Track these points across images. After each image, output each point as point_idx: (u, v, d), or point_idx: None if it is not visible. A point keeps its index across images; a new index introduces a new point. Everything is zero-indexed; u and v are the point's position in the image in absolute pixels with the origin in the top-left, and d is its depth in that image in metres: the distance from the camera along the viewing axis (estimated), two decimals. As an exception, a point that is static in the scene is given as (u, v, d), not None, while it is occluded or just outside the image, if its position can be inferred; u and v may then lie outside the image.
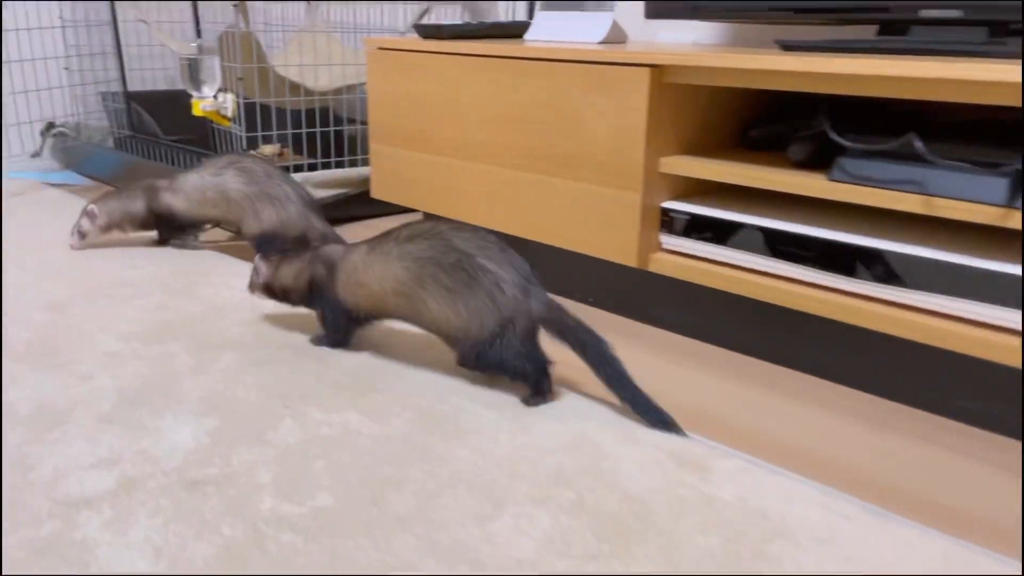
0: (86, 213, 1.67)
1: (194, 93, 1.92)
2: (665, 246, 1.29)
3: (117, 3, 2.34)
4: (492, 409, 1.04)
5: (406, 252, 1.09)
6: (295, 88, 2.08)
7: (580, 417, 1.02)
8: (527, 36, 1.66)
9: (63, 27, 2.41)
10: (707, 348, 1.29)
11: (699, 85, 1.22)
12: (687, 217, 1.25)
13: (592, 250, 1.35)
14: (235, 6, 1.96)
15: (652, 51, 1.24)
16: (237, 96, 1.93)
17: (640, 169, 1.24)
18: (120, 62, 2.39)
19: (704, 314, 1.32)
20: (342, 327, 1.21)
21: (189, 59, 1.89)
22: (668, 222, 1.28)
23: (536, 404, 1.06)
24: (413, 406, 1.04)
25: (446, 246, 1.06)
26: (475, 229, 1.08)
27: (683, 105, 1.27)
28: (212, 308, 1.39)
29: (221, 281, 1.50)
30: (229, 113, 1.93)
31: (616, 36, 1.53)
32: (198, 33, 1.95)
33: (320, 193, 1.98)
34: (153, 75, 2.73)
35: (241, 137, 1.99)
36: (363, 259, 1.15)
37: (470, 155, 1.52)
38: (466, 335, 1.05)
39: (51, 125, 2.57)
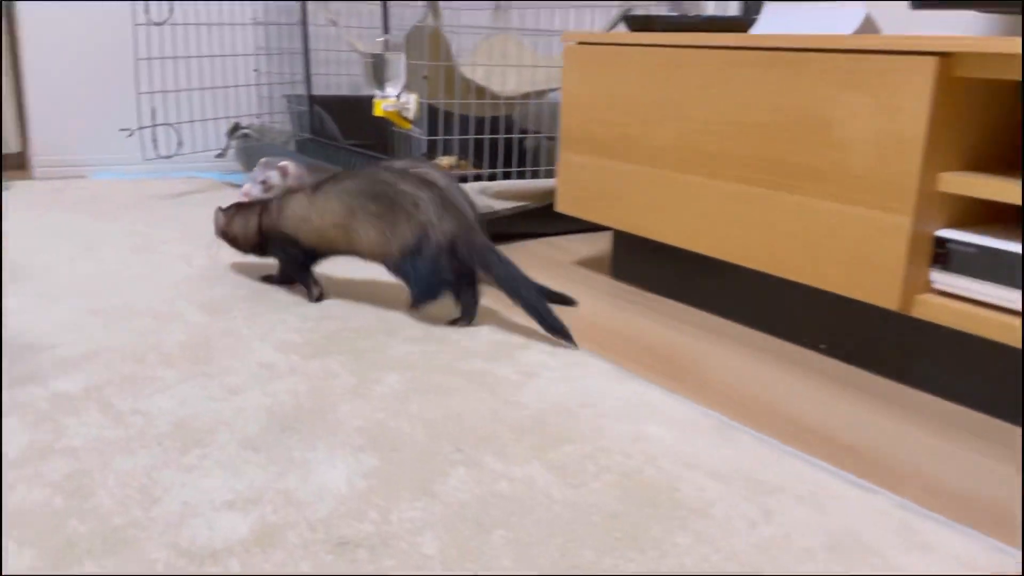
0: (278, 167, 1.55)
1: (376, 92, 1.80)
2: (936, 286, 1.01)
3: (309, 4, 2.30)
4: (718, 480, 0.80)
5: (341, 188, 1.25)
6: (479, 92, 1.93)
7: (843, 507, 0.77)
8: (754, 32, 1.42)
9: (254, 24, 2.39)
10: (991, 423, 1.00)
11: (989, 81, 0.95)
12: (972, 250, 0.97)
13: (835, 285, 1.08)
14: (427, 4, 1.84)
15: (940, 37, 0.97)
16: (420, 97, 1.79)
17: (914, 186, 0.98)
18: (306, 65, 2.34)
19: (989, 379, 1.02)
20: (295, 262, 1.34)
21: (374, 55, 1.78)
22: (943, 256, 1.00)
23: (461, 326, 1.20)
24: (615, 466, 0.82)
25: (374, 179, 1.22)
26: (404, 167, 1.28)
27: (972, 106, 1.00)
28: (380, 320, 1.23)
29: (394, 294, 1.35)
30: (411, 115, 1.80)
31: (869, 32, 1.26)
32: (386, 31, 1.85)
33: (496, 205, 1.81)
34: (338, 80, 2.69)
35: (421, 141, 1.86)
36: (307, 199, 1.29)
37: (682, 165, 1.30)
38: (392, 253, 1.19)
39: (237, 127, 2.56)
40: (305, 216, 1.28)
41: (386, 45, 1.78)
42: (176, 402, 0.93)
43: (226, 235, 1.41)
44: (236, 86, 2.28)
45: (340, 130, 2.33)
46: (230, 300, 1.30)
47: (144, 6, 1.90)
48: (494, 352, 1.11)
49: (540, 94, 2.07)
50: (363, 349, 1.12)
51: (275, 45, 2.45)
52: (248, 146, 2.52)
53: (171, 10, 1.95)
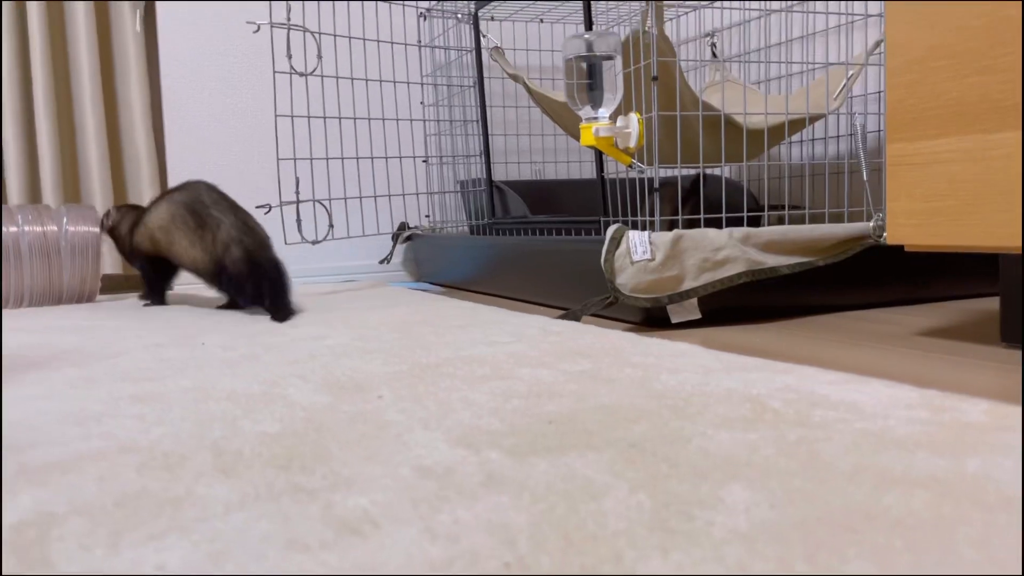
0: None
1: (582, 112, 1.29)
2: None
3: (485, 56, 1.87)
4: None
5: (173, 199, 1.41)
6: (711, 127, 1.38)
7: None
8: None
9: (422, 83, 1.99)
10: None
11: None
12: None
13: None
14: (644, 6, 1.33)
15: None
16: (642, 118, 1.26)
17: None
18: (485, 136, 1.89)
19: None
20: (143, 270, 1.51)
21: (579, 59, 1.28)
22: None
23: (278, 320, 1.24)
24: None
25: (196, 196, 1.38)
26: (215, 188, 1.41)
27: None
28: (654, 396, 0.63)
29: (681, 362, 0.75)
30: (632, 142, 1.26)
31: None
32: (588, 28, 1.38)
33: (768, 260, 1.20)
34: (519, 168, 2.24)
35: (649, 179, 1.31)
36: (152, 207, 1.45)
37: None
38: (204, 265, 1.34)
39: (403, 226, 2.12)
40: (145, 220, 1.44)
41: (591, 46, 1.28)
42: (203, 554, 0.36)
43: (112, 231, 1.56)
44: (400, 157, 1.84)
45: (529, 207, 1.83)
46: (379, 377, 0.74)
47: (287, 50, 1.52)
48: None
49: (797, 125, 1.49)
50: (640, 439, 0.52)
51: (445, 116, 2.03)
52: (417, 256, 2.05)
53: (319, 57, 1.56)
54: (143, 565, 0.35)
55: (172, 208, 1.39)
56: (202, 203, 1.37)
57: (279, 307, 1.27)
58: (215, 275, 1.34)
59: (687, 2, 1.74)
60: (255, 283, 1.30)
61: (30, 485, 0.47)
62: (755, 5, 1.75)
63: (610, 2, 1.45)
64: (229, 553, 0.36)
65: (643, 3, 1.36)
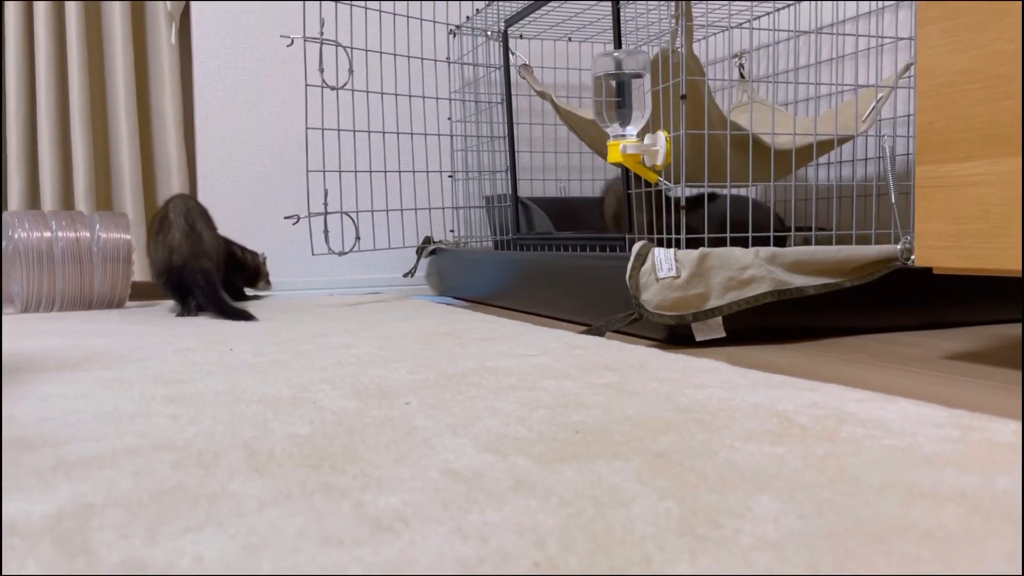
0: None
1: (610, 129, 1.29)
2: None
3: (512, 73, 1.89)
4: None
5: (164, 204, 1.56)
6: (738, 146, 1.38)
7: None
8: None
9: (451, 98, 2.00)
10: None
11: None
12: None
13: None
14: (672, 16, 1.35)
15: None
16: (670, 136, 1.27)
17: None
18: (511, 152, 1.90)
19: None
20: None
21: (608, 76, 1.29)
22: None
23: (181, 315, 1.44)
24: None
25: (167, 204, 1.53)
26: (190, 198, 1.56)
27: None
28: (680, 409, 0.64)
29: (706, 377, 0.76)
30: (660, 159, 1.27)
31: None
32: (618, 45, 1.39)
33: (795, 281, 1.20)
34: (543, 185, 2.25)
35: (676, 198, 1.32)
36: None
37: None
38: (158, 267, 1.48)
39: (428, 240, 2.13)
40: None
41: (619, 63, 1.29)
42: (239, 547, 0.37)
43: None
44: (427, 171, 1.85)
45: (553, 224, 1.84)
46: (406, 385, 0.75)
47: (319, 64, 1.54)
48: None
49: (826, 147, 1.49)
50: (660, 448, 0.52)
51: (472, 132, 2.04)
52: (440, 270, 2.06)
53: (351, 71, 1.58)
54: (182, 555, 0.36)
55: (157, 214, 1.55)
56: (167, 208, 1.50)
57: (218, 312, 1.41)
58: (157, 278, 1.50)
59: (717, 23, 1.75)
60: (179, 289, 1.46)
61: (68, 479, 0.48)
62: (785, 27, 1.76)
63: (639, 22, 1.46)
64: (265, 547, 0.37)
65: (673, 22, 1.37)
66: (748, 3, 1.76)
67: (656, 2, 1.41)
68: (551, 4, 1.72)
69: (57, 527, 0.40)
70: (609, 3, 1.47)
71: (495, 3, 1.86)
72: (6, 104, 1.83)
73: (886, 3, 1.57)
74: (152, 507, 0.42)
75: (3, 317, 1.53)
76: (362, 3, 1.65)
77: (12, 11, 1.83)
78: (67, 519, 0.41)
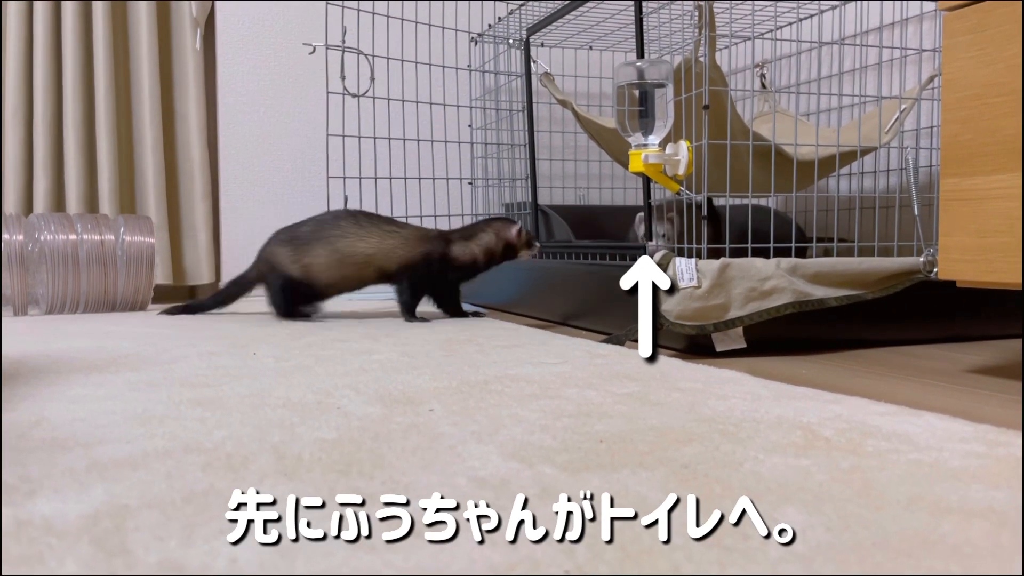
0: None
1: (632, 138, 1.30)
2: None
3: (534, 80, 1.89)
4: None
5: None
6: (760, 156, 1.38)
7: None
8: None
9: (471, 106, 2.01)
10: None
11: None
12: None
13: None
14: (695, 26, 1.35)
15: None
16: (692, 146, 1.27)
17: None
18: (532, 160, 1.91)
19: None
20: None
21: (631, 85, 1.30)
22: None
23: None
24: None
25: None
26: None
27: None
28: (703, 420, 0.64)
29: (729, 388, 0.76)
30: (682, 169, 1.27)
31: None
32: (640, 54, 1.39)
33: (817, 292, 1.20)
34: (563, 193, 2.26)
35: (697, 203, 1.31)
36: None
37: None
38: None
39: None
40: None
41: (642, 73, 1.29)
42: (273, 550, 0.38)
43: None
44: (447, 178, 1.86)
45: (573, 232, 1.84)
46: (429, 391, 0.76)
47: (341, 72, 1.55)
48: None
49: (849, 158, 1.49)
50: (684, 459, 0.52)
51: (493, 139, 2.05)
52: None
53: (372, 79, 1.59)
54: (217, 557, 0.37)
55: None
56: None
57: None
58: None
59: (740, 32, 1.75)
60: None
61: (102, 480, 0.48)
62: (808, 37, 1.75)
63: (662, 30, 1.46)
64: (298, 550, 0.37)
65: (696, 32, 1.37)
66: (772, 13, 1.76)
67: (680, 11, 1.41)
68: (573, 12, 1.73)
69: (94, 527, 0.40)
70: (632, 12, 1.48)
71: (517, 11, 1.87)
72: (33, 106, 1.86)
73: (910, 15, 1.57)
74: (185, 508, 0.43)
75: (28, 318, 1.55)
76: (384, 11, 1.66)
77: (40, 14, 1.85)
78: (103, 519, 0.41)
